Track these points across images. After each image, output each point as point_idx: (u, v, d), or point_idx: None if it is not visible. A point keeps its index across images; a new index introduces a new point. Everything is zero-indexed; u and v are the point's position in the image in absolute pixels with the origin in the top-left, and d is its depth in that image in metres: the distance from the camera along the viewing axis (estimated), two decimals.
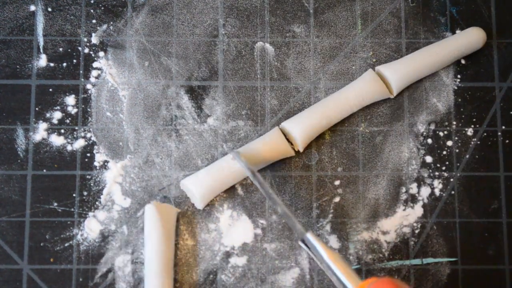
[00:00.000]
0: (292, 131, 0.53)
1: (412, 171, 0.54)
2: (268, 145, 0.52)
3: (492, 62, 0.56)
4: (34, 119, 0.54)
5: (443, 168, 0.54)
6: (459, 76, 0.55)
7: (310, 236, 0.47)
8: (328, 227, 0.53)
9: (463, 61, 0.55)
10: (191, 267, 0.52)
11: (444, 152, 0.54)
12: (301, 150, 0.53)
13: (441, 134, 0.54)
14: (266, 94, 0.55)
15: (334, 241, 0.53)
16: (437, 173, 0.54)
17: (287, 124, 0.53)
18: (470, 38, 0.54)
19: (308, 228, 0.48)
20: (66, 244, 0.52)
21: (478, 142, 0.54)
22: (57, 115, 0.54)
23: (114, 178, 0.53)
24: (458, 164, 0.54)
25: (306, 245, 0.47)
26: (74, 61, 0.55)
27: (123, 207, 0.53)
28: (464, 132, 0.55)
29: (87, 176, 0.53)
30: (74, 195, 0.53)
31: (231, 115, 0.54)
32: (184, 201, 0.53)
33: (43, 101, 0.54)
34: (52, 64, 0.55)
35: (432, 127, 0.55)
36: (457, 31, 0.56)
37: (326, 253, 0.46)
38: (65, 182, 0.53)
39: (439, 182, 0.54)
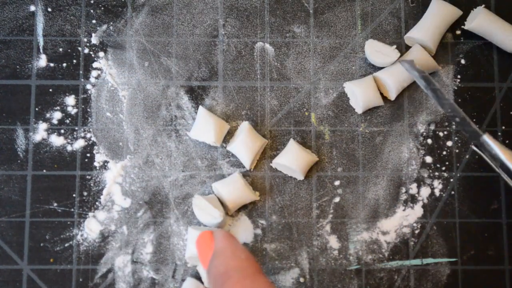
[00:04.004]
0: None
1: (412, 171, 0.54)
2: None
3: (492, 62, 0.56)
4: (34, 119, 0.54)
5: (443, 168, 0.54)
6: (459, 76, 0.55)
7: (487, 138, 0.45)
8: (328, 227, 0.53)
9: (463, 61, 0.55)
10: (191, 267, 0.52)
11: (444, 152, 0.54)
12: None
13: (441, 134, 0.54)
14: (266, 94, 0.55)
15: (334, 241, 0.53)
16: (437, 173, 0.54)
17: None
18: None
19: (484, 131, 0.46)
20: (66, 245, 0.52)
21: None
22: (57, 115, 0.54)
23: (114, 178, 0.53)
24: (458, 165, 0.54)
25: (479, 149, 0.45)
26: (74, 61, 0.55)
27: (123, 207, 0.53)
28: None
29: (87, 176, 0.53)
30: (74, 195, 0.53)
31: (231, 115, 0.54)
32: (183, 202, 0.53)
33: (43, 101, 0.54)
34: (52, 64, 0.55)
35: (432, 127, 0.55)
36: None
37: (505, 155, 0.44)
38: (65, 182, 0.53)
39: (439, 182, 0.54)
